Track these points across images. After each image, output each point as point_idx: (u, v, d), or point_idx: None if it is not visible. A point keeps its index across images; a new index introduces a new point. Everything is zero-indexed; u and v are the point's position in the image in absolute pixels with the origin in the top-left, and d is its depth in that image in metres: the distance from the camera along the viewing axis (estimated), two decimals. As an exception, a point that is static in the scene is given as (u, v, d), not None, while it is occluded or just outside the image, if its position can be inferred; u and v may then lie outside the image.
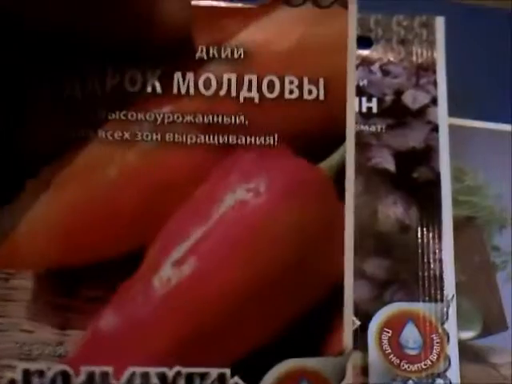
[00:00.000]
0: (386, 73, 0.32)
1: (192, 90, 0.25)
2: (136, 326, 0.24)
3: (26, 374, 0.24)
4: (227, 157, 0.25)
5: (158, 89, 0.25)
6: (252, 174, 0.24)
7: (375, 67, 0.32)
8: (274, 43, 0.25)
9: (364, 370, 0.29)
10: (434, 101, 0.32)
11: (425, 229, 0.31)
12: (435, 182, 0.31)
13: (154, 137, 0.25)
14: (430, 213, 0.31)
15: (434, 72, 0.32)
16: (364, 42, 0.32)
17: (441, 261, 0.30)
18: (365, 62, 0.32)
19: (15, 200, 0.24)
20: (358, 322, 0.30)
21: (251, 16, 0.25)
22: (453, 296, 0.30)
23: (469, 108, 0.33)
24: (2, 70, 0.24)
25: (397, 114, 0.32)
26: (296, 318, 0.24)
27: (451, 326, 0.30)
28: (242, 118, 0.25)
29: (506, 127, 0.34)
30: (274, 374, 0.24)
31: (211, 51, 0.25)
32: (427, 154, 0.31)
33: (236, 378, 0.24)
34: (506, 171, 0.33)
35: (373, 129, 0.32)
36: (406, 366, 0.29)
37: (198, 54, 0.25)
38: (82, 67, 0.25)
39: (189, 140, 0.25)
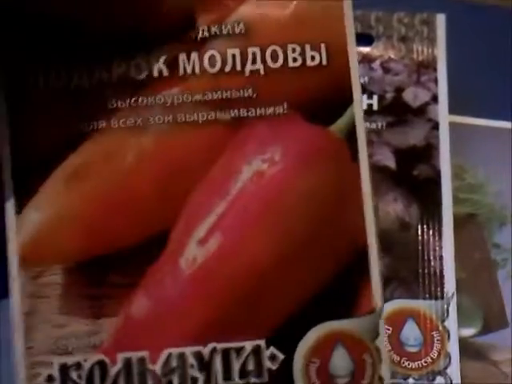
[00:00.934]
0: (386, 70, 0.32)
1: (198, 69, 0.25)
2: (167, 308, 0.24)
3: (63, 368, 0.24)
4: (240, 130, 0.25)
5: (165, 72, 0.25)
6: (266, 143, 0.25)
7: (376, 64, 0.32)
8: (273, 14, 0.25)
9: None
10: (435, 98, 0.32)
11: (425, 226, 0.31)
12: (435, 180, 0.31)
13: (166, 119, 0.25)
14: (431, 210, 0.31)
15: (435, 69, 0.32)
16: (365, 39, 0.32)
17: (441, 258, 0.30)
18: (365, 59, 0.32)
19: (34, 198, 0.24)
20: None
21: None
22: (453, 293, 0.30)
23: (469, 105, 0.33)
24: (5, 62, 0.24)
25: (397, 111, 0.32)
26: (325, 282, 0.24)
27: (451, 323, 0.30)
28: (250, 90, 0.25)
29: (506, 125, 0.34)
30: (308, 340, 0.24)
31: (213, 29, 0.25)
32: (428, 151, 0.31)
33: (272, 349, 0.24)
34: (506, 169, 0.33)
35: (373, 126, 0.32)
36: (406, 364, 0.29)
37: (200, 34, 0.25)
38: (89, 56, 0.25)
39: (200, 118, 0.25)
